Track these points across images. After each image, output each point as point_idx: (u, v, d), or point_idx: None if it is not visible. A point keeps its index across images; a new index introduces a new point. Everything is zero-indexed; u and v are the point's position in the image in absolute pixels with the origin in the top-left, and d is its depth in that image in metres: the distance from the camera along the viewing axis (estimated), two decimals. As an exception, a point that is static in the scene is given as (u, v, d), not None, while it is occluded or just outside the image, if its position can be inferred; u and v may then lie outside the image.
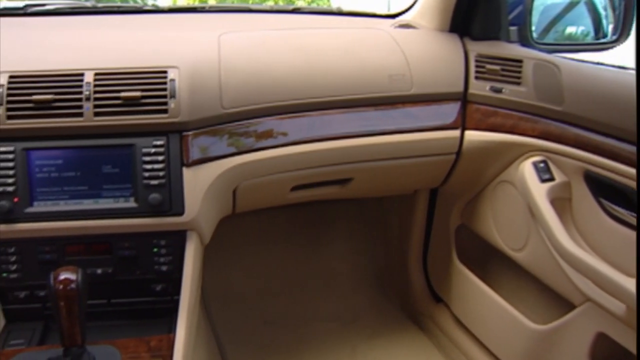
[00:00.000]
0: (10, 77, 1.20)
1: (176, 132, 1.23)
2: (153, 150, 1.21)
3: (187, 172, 1.22)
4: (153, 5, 1.88)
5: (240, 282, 2.05)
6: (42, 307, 1.26)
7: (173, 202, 1.21)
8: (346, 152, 1.40)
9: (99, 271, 1.23)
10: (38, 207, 1.19)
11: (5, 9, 1.72)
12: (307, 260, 2.14)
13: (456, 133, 1.50)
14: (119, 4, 1.81)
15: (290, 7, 1.87)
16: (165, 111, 1.21)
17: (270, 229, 2.11)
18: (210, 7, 1.79)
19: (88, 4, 1.77)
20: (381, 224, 2.15)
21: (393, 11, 1.82)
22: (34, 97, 1.19)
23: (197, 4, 1.76)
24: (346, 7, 1.87)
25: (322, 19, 1.77)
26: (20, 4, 1.72)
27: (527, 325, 1.40)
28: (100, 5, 1.77)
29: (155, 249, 1.25)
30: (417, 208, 1.87)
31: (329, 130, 1.37)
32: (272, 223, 2.10)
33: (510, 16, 1.53)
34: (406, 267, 1.97)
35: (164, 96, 1.21)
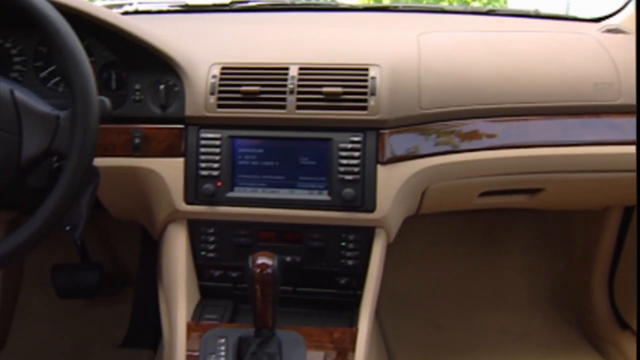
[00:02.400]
0: (222, 68, 1.28)
1: (373, 129, 1.24)
2: (350, 145, 1.23)
3: (381, 170, 1.23)
4: (349, 4, 1.90)
5: (410, 284, 2.04)
6: (233, 287, 1.33)
7: (365, 199, 1.22)
8: (541, 161, 1.34)
9: (288, 259, 1.28)
10: (238, 192, 1.26)
11: (213, 5, 1.83)
12: (479, 268, 2.08)
13: None
14: (315, 2, 1.86)
15: (485, 9, 1.82)
16: (364, 108, 1.22)
17: (444, 232, 2.08)
18: (404, 6, 1.79)
19: (287, 1, 1.84)
20: (562, 238, 2.04)
21: (588, 15, 1.71)
22: (243, 88, 1.25)
23: (391, 3, 1.77)
24: (545, 10, 1.78)
25: (520, 22, 1.71)
26: (226, 0, 1.83)
27: None
28: (298, 2, 1.84)
29: (344, 243, 1.27)
30: (607, 225, 1.76)
31: (526, 137, 1.32)
32: (446, 227, 2.07)
33: None
34: (588, 287, 1.86)
35: (364, 93, 1.23)
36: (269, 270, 1.05)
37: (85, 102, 0.97)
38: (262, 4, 1.80)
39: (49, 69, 1.36)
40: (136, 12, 1.75)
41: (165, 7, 1.83)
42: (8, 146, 0.96)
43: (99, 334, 2.05)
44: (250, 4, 1.80)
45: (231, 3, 1.80)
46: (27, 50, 1.35)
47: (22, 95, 0.99)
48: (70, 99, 0.97)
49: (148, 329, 2.01)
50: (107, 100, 1.06)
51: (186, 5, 1.82)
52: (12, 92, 0.98)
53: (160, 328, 1.95)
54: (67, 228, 1.12)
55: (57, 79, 1.36)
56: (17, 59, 1.36)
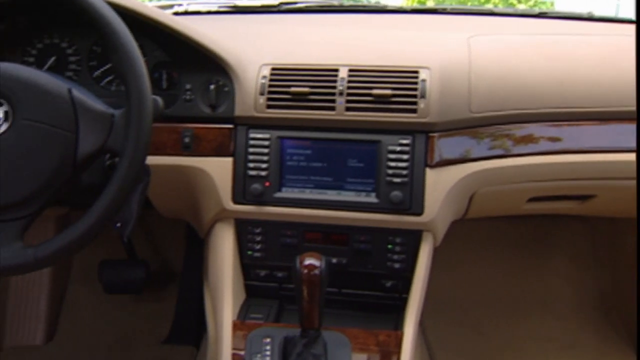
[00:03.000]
0: (273, 69, 1.28)
1: (423, 132, 1.23)
2: (398, 148, 1.22)
3: (429, 173, 1.22)
4: (398, 6, 1.90)
5: (453, 288, 2.02)
6: (279, 287, 1.34)
7: (413, 202, 1.22)
8: (594, 167, 1.31)
9: (334, 260, 1.28)
10: (286, 193, 1.26)
11: (262, 6, 1.84)
12: (525, 274, 2.05)
13: None
14: (363, 3, 1.86)
15: (536, 11, 1.78)
16: (414, 111, 1.22)
17: (490, 237, 2.06)
18: (452, 8, 1.77)
19: (335, 2, 1.84)
20: (611, 246, 1.99)
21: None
22: (292, 89, 1.25)
23: (438, 5, 1.75)
24: (598, 12, 1.75)
25: (572, 25, 1.68)
26: (275, 2, 1.84)
27: None
28: (346, 4, 1.84)
29: (390, 246, 1.27)
30: None
31: (579, 143, 1.29)
32: (492, 231, 2.04)
33: None
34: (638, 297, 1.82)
35: (414, 96, 1.22)
36: (317, 271, 1.05)
37: (139, 101, 0.98)
38: (309, 6, 1.81)
39: (102, 69, 1.38)
40: (186, 12, 1.78)
41: (214, 8, 1.85)
42: (65, 143, 0.99)
43: (143, 329, 2.08)
44: (299, 5, 1.80)
45: (279, 4, 1.80)
46: (82, 50, 1.38)
47: (79, 93, 1.01)
48: (125, 98, 0.99)
49: (191, 326, 2.04)
50: (160, 100, 1.07)
51: (235, 6, 1.84)
52: (69, 91, 1.00)
53: (203, 325, 1.97)
54: (118, 225, 1.14)
55: (109, 78, 1.38)
56: (72, 58, 1.39)
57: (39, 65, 1.38)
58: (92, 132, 1.00)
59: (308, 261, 1.05)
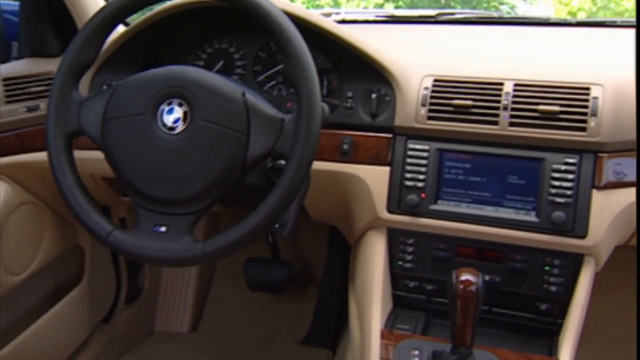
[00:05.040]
0: (435, 80, 1.28)
1: (591, 152, 1.17)
2: (564, 167, 1.18)
3: (596, 195, 1.16)
4: (557, 18, 1.83)
5: (608, 316, 1.91)
6: (427, 300, 1.32)
7: (577, 224, 1.17)
8: None
9: (487, 278, 1.25)
10: (441, 205, 1.25)
11: (419, 16, 1.84)
12: None
13: None
14: (524, 15, 1.81)
15: None
16: (583, 129, 1.17)
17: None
18: (622, 21, 1.68)
19: (495, 14, 1.81)
20: None
21: None
22: (455, 101, 1.24)
23: (607, 17, 1.66)
24: None
25: None
26: (432, 12, 1.83)
27: None
28: (506, 16, 1.80)
29: (547, 268, 1.22)
30: None
31: None
32: None
33: None
34: None
35: (584, 114, 1.17)
36: (473, 288, 1.03)
37: (309, 107, 1.01)
38: (468, 17, 1.79)
39: (266, 73, 1.44)
40: (343, 21, 1.81)
41: (371, 17, 1.88)
42: (237, 145, 1.03)
43: (282, 328, 2.14)
44: (457, 16, 1.79)
45: (437, 15, 1.80)
46: (248, 55, 1.45)
47: (252, 97, 1.05)
48: (296, 104, 1.02)
49: (329, 329, 2.07)
50: (326, 107, 1.10)
51: (392, 16, 1.86)
52: (243, 94, 1.05)
53: (341, 329, 2.00)
54: (277, 226, 1.18)
55: (272, 82, 1.44)
56: (238, 63, 1.46)
57: (207, 68, 1.46)
58: (263, 135, 1.04)
59: (465, 276, 1.04)
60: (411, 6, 6.48)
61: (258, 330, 2.16)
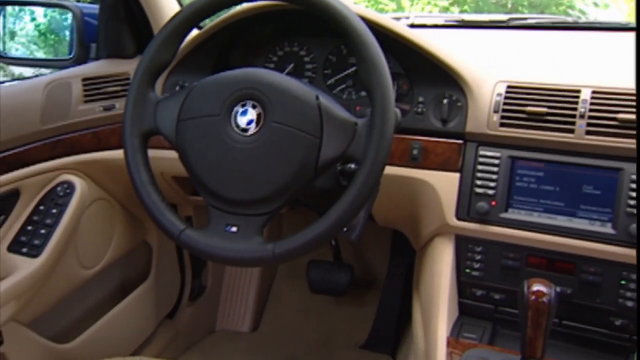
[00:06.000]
0: (508, 86, 1.25)
1: None
2: None
3: None
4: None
5: None
6: (494, 309, 1.30)
7: None
8: None
9: (558, 289, 1.21)
10: (512, 214, 1.23)
11: (490, 21, 1.81)
12: None
13: None
14: (602, 20, 1.76)
15: None
16: None
17: None
18: None
19: (569, 19, 1.76)
20: None
21: None
22: (528, 108, 1.22)
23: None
24: None
25: None
26: (503, 17, 1.80)
27: None
28: (582, 21, 1.75)
29: (623, 282, 1.18)
30: None
31: None
32: None
33: None
34: None
35: None
36: (545, 299, 1.00)
37: (383, 112, 1.01)
38: (541, 22, 1.75)
39: (336, 77, 1.44)
40: (412, 25, 1.79)
41: (440, 22, 1.86)
42: (309, 147, 1.03)
43: (342, 332, 2.14)
44: (529, 21, 1.75)
45: (509, 20, 1.76)
46: (319, 58, 1.45)
47: (325, 101, 1.06)
48: (370, 108, 1.02)
49: (389, 334, 2.06)
50: (399, 112, 1.09)
51: (462, 21, 1.83)
52: (317, 97, 1.05)
53: (401, 335, 1.98)
54: (345, 230, 1.18)
55: (342, 86, 1.44)
56: (308, 66, 1.47)
57: (278, 71, 1.47)
58: (335, 139, 1.04)
59: (537, 287, 1.01)
60: (476, 10, 6.38)
61: (318, 333, 2.16)
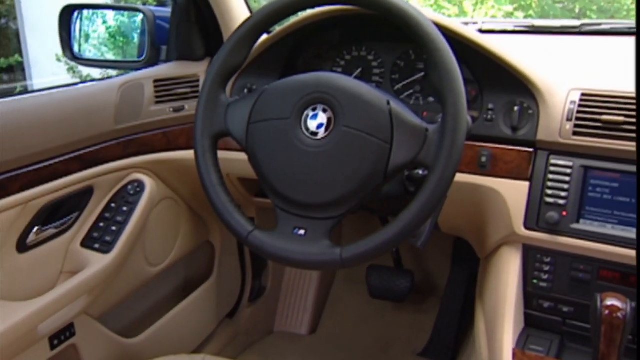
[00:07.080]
0: (583, 94, 1.22)
1: None
2: None
3: None
4: None
5: None
6: (562, 322, 1.26)
7: None
8: None
9: (632, 304, 1.18)
10: (584, 225, 1.19)
11: (561, 27, 1.77)
12: None
13: None
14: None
15: None
16: None
17: None
18: None
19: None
20: None
21: None
22: (604, 117, 1.18)
23: None
24: None
25: None
26: (575, 23, 1.76)
27: None
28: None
29: None
30: None
31: None
32: None
33: None
34: None
35: None
36: (620, 314, 0.97)
37: (455, 118, 0.99)
38: (615, 28, 1.70)
39: (404, 82, 1.44)
40: (480, 31, 1.77)
41: (509, 28, 1.83)
42: (379, 153, 1.03)
43: (400, 337, 2.13)
44: (603, 27, 1.70)
45: (581, 25, 1.72)
46: (386, 63, 1.45)
47: (397, 106, 1.05)
48: (442, 114, 1.01)
49: (449, 343, 2.04)
50: (469, 119, 1.08)
51: (532, 26, 1.79)
52: (388, 103, 1.05)
53: (460, 343, 1.95)
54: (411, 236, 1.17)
55: (409, 91, 1.43)
56: (376, 71, 1.46)
57: (345, 75, 1.47)
58: (406, 144, 1.03)
59: (611, 301, 0.99)
60: (542, 15, 6.24)
61: (376, 338, 2.15)
